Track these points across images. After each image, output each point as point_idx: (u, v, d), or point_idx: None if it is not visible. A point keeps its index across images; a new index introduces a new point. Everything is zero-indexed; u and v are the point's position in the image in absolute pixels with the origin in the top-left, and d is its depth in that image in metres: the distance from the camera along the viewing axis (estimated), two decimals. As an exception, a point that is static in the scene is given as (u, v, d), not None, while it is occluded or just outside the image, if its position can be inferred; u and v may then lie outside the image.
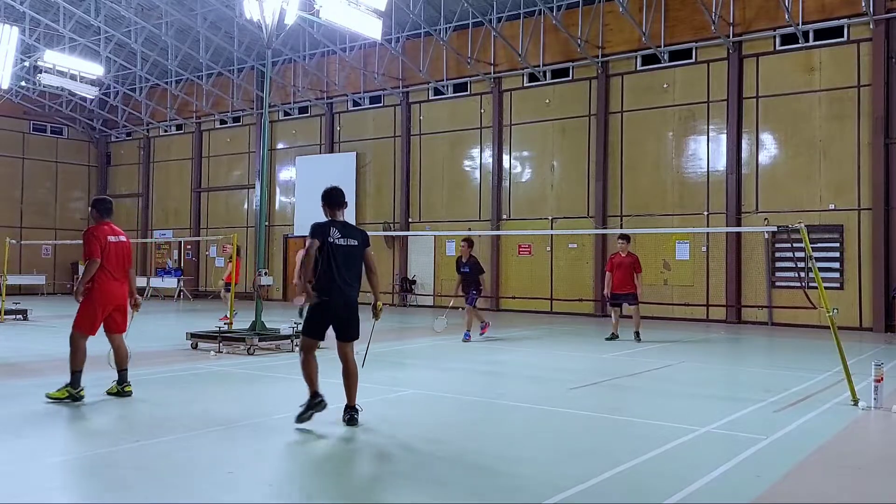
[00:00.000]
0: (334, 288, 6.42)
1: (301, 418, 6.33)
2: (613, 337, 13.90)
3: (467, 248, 13.92)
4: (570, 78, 21.65)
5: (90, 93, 27.63)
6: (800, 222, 8.63)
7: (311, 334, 6.58)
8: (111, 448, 5.83)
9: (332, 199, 6.70)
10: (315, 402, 6.43)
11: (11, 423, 6.65)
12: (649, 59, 20.36)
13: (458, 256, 14.25)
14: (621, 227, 20.06)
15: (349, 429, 6.61)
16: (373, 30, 18.72)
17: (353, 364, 6.57)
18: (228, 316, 13.72)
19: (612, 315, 14.37)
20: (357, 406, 6.56)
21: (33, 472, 5.17)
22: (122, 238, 7.85)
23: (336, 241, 6.47)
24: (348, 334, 6.58)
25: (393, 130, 24.98)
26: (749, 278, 18.52)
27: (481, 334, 14.08)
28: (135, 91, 30.16)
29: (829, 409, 7.62)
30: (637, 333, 13.89)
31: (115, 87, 30.38)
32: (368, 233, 6.95)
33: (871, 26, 17.22)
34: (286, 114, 27.67)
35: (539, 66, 21.79)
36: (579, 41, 20.68)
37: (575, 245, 21.14)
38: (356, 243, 6.61)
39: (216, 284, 27.77)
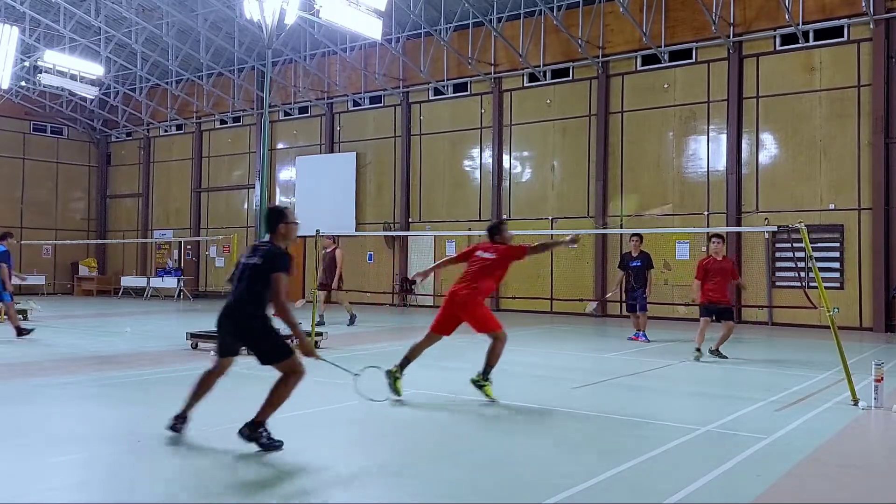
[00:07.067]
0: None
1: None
2: (700, 353, 11.29)
3: (639, 242, 13.97)
4: (570, 78, 21.66)
5: (90, 93, 27.63)
6: (800, 222, 8.62)
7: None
8: (112, 448, 5.84)
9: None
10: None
11: (12, 423, 6.66)
12: (650, 60, 20.37)
13: (627, 252, 14.26)
14: (621, 227, 20.07)
15: (349, 430, 6.62)
16: (373, 30, 18.73)
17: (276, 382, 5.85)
18: None
19: (703, 326, 11.46)
20: (261, 427, 5.70)
21: (34, 472, 5.18)
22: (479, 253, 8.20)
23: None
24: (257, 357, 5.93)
25: (393, 130, 24.99)
26: (749, 278, 18.50)
27: (632, 339, 13.90)
28: (135, 91, 30.16)
29: (830, 408, 7.63)
30: (718, 350, 11.42)
31: (115, 88, 30.39)
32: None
33: (872, 26, 17.23)
34: (286, 114, 27.68)
35: (539, 66, 21.79)
36: (580, 41, 20.68)
37: (575, 245, 21.10)
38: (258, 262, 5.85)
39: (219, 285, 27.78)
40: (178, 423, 6.01)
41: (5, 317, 17.14)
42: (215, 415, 6.54)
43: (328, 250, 16.59)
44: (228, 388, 8.37)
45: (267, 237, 6.06)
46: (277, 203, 5.74)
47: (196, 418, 6.11)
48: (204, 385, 6.12)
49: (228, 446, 5.82)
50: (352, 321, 16.55)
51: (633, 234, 14.29)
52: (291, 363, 5.79)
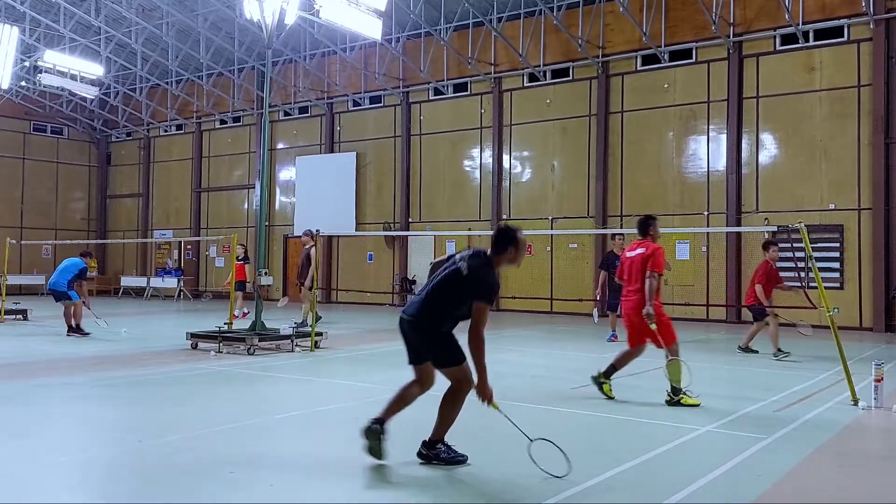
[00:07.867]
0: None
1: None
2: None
3: (622, 241, 13.91)
4: (570, 78, 21.65)
5: (90, 93, 27.62)
6: (800, 222, 8.62)
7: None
8: (113, 448, 5.84)
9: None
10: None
11: (13, 423, 6.66)
12: (650, 59, 20.36)
13: (609, 251, 14.12)
14: (621, 227, 20.06)
15: (348, 429, 6.61)
16: (373, 30, 18.72)
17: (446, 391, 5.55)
18: (246, 313, 14.06)
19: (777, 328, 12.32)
20: (438, 444, 5.50)
21: (35, 472, 5.18)
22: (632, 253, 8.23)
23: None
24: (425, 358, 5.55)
25: (393, 130, 24.98)
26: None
27: (611, 341, 13.73)
28: (135, 91, 30.16)
29: (830, 408, 7.63)
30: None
31: (115, 88, 30.38)
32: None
33: (872, 26, 17.22)
34: (286, 114, 27.68)
35: (539, 66, 21.79)
36: (580, 41, 20.68)
37: (575, 245, 21.14)
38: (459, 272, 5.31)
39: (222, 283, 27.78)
40: (377, 425, 5.39)
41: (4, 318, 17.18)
42: (214, 416, 6.53)
43: (306, 248, 16.10)
44: (229, 388, 8.38)
45: (488, 250, 5.38)
46: (506, 223, 5.76)
47: (192, 419, 6.11)
48: (401, 400, 5.53)
49: (229, 448, 5.82)
50: (302, 324, 14.54)
51: (617, 234, 14.25)
52: (461, 372, 5.39)
